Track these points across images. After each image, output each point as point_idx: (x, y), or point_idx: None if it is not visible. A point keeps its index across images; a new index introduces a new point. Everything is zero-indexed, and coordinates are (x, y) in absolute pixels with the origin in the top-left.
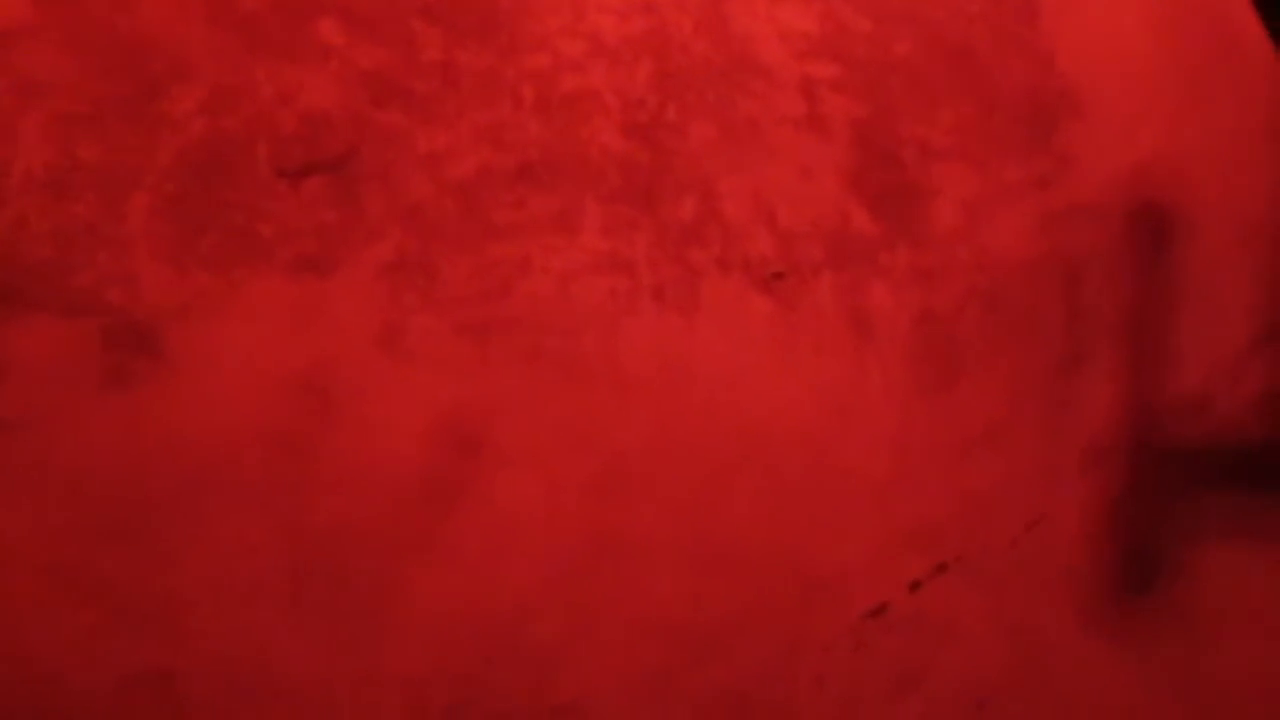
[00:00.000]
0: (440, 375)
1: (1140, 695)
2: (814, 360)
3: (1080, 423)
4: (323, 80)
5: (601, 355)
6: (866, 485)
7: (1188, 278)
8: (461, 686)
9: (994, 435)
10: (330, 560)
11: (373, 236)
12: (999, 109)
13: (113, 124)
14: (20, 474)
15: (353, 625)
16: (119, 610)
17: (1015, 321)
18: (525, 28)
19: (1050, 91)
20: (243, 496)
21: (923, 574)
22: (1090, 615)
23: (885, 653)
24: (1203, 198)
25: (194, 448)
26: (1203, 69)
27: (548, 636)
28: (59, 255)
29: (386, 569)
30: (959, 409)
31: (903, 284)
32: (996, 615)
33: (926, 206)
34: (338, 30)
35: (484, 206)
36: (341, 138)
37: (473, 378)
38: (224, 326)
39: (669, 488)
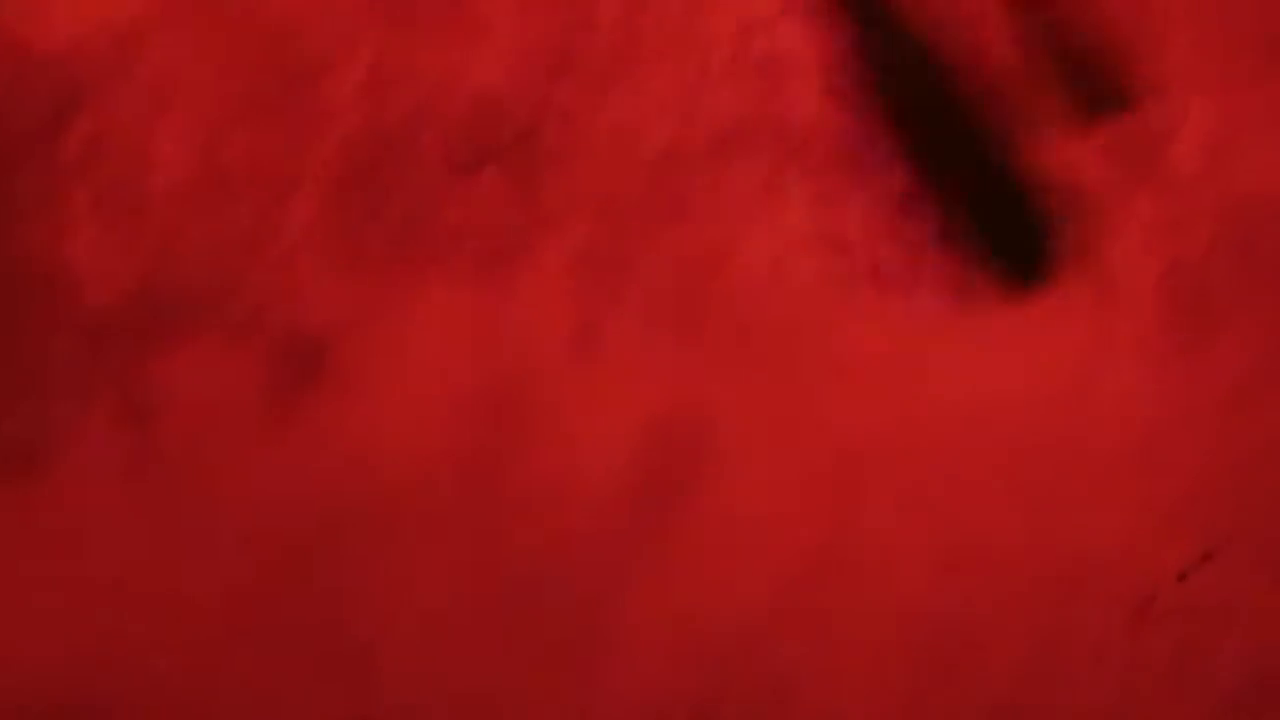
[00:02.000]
0: (644, 377)
1: None
2: (1052, 327)
3: None
4: (490, 55)
5: (819, 342)
6: (1121, 464)
7: None
8: (696, 714)
9: (1258, 393)
10: (542, 587)
11: (557, 228)
12: (1235, 31)
13: (260, 122)
14: (187, 518)
15: (572, 655)
16: (307, 659)
17: (1272, 266)
18: None
19: None
20: (437, 526)
21: (1192, 556)
22: None
23: (1157, 649)
24: None
25: (377, 476)
26: None
27: (787, 652)
28: (212, 273)
29: (605, 590)
30: (1218, 368)
31: (1145, 235)
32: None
33: (1164, 147)
34: None
35: (677, 186)
36: (516, 119)
37: (681, 377)
38: (401, 339)
39: (904, 480)
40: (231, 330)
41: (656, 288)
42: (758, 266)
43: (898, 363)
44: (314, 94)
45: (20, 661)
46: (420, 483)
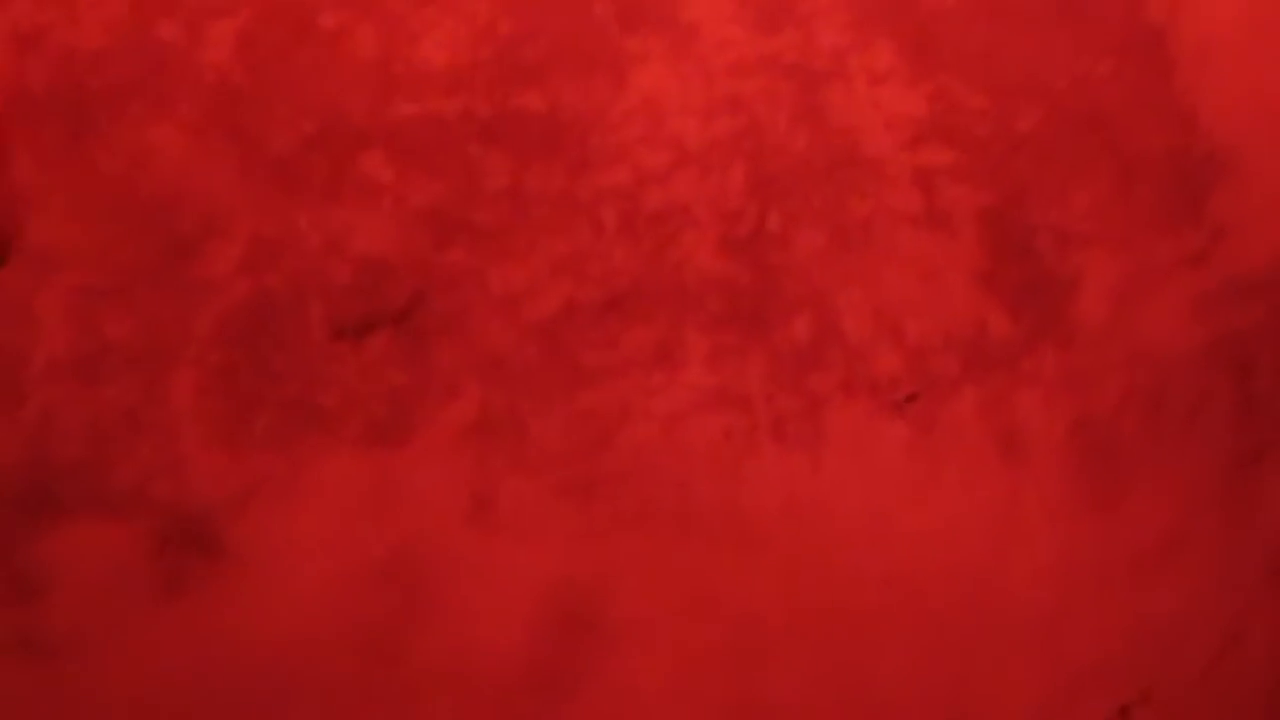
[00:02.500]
0: (541, 547)
1: None
2: (960, 489)
3: (1265, 527)
4: (375, 222)
5: (720, 506)
6: (1032, 624)
7: None
8: None
9: (1170, 552)
10: None
11: (449, 395)
12: (1139, 181)
13: (142, 294)
14: (70, 705)
15: None
16: None
17: (1182, 420)
18: (598, 141)
19: (1195, 155)
20: (335, 703)
21: (1107, 714)
22: None
23: None
24: None
25: (267, 657)
26: None
27: None
28: (95, 449)
29: None
30: (1128, 526)
31: (1052, 391)
32: None
33: (1070, 300)
34: (385, 164)
35: (571, 349)
36: (403, 286)
37: (578, 546)
38: (289, 514)
39: (810, 650)
40: (113, 508)
41: (552, 452)
42: (656, 426)
43: (801, 524)
44: (194, 264)
45: None
46: (310, 665)
